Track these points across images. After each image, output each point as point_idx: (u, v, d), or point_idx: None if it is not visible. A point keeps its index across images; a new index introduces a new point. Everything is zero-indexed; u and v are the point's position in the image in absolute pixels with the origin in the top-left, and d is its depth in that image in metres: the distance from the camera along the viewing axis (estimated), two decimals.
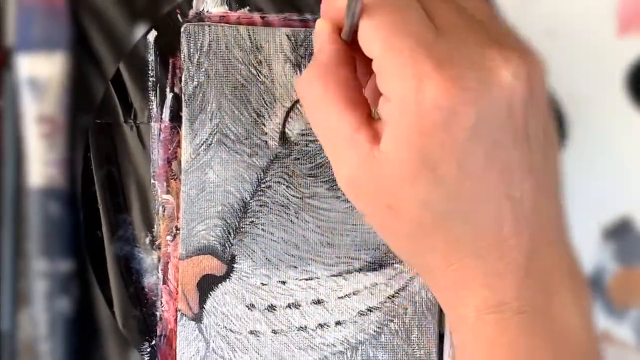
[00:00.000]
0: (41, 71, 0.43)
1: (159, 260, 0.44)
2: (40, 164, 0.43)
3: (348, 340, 0.45)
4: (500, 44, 0.31)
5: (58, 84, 0.43)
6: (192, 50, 0.43)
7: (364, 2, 0.31)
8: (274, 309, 0.44)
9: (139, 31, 0.43)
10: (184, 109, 0.43)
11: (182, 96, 0.43)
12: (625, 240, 0.45)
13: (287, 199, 0.44)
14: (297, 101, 0.43)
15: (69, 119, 0.44)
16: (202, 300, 0.44)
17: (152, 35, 0.43)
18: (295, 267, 0.44)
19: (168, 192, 0.44)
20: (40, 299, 0.43)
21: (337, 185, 0.43)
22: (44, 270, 0.43)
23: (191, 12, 0.43)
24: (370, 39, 0.31)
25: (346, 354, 0.45)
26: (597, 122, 0.45)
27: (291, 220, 0.44)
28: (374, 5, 0.31)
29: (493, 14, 0.34)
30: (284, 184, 0.44)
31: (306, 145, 0.44)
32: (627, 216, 0.45)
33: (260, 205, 0.44)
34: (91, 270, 0.44)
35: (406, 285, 0.45)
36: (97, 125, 0.43)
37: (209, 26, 0.43)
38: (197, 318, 0.44)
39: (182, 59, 0.43)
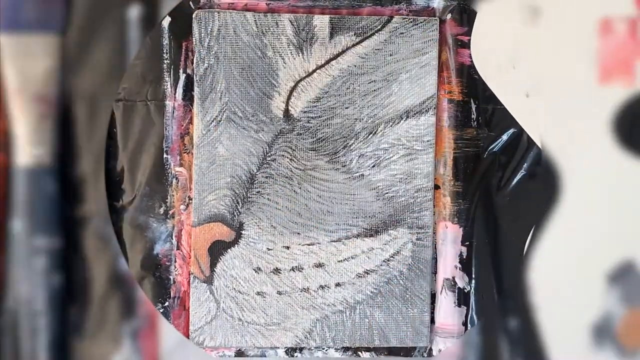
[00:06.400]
0: (34, 52, 0.45)
1: (172, 228, 0.48)
2: (30, 143, 0.45)
3: (347, 301, 0.48)
4: None
5: (52, 65, 0.46)
6: (203, 34, 0.47)
7: None
8: (279, 272, 0.48)
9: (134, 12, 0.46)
10: (195, 88, 0.47)
11: (194, 77, 0.47)
12: (629, 282, 0.46)
13: (291, 171, 0.47)
14: (300, 81, 0.47)
15: (64, 100, 0.46)
16: (213, 264, 0.47)
17: (167, 21, 0.47)
18: (299, 233, 0.48)
19: (181, 165, 0.47)
20: (36, 276, 0.46)
21: (336, 158, 0.48)
22: (41, 247, 0.46)
23: (202, 0, 0.47)
24: None
25: (345, 313, 0.48)
26: (589, 170, 0.47)
27: (294, 191, 0.48)
28: None
29: None
30: (287, 157, 0.47)
31: (308, 122, 0.47)
32: (629, 259, 0.46)
33: (266, 177, 0.47)
34: (84, 246, 0.47)
35: (400, 250, 0.48)
36: (116, 104, 0.47)
37: (219, 12, 0.47)
38: (209, 281, 0.47)
39: (194, 43, 0.47)
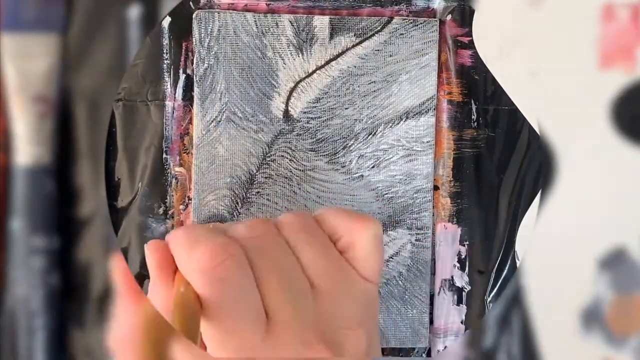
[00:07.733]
0: (34, 52, 0.45)
1: (172, 228, 0.48)
2: (30, 143, 0.45)
3: None
4: (323, 338, 0.33)
5: (52, 65, 0.46)
6: (203, 35, 0.47)
7: (202, 296, 0.31)
8: None
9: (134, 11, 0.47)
10: (195, 88, 0.47)
11: (194, 77, 0.47)
12: (620, 269, 0.46)
13: (290, 171, 0.48)
14: (299, 81, 0.47)
15: (64, 100, 0.46)
16: None
17: (167, 21, 0.47)
18: None
19: (181, 165, 0.48)
20: (35, 275, 0.46)
21: (335, 159, 0.48)
22: (40, 247, 0.46)
23: (202, 0, 0.47)
24: (205, 331, 0.32)
25: None
26: (585, 155, 0.47)
27: (294, 191, 0.48)
28: (211, 296, 0.31)
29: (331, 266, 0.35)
30: (287, 158, 0.48)
31: (307, 122, 0.48)
32: (621, 245, 0.47)
33: (266, 177, 0.47)
34: (84, 247, 0.47)
35: (399, 251, 0.49)
36: (116, 104, 0.47)
37: (219, 13, 0.47)
38: None
39: (194, 43, 0.47)
